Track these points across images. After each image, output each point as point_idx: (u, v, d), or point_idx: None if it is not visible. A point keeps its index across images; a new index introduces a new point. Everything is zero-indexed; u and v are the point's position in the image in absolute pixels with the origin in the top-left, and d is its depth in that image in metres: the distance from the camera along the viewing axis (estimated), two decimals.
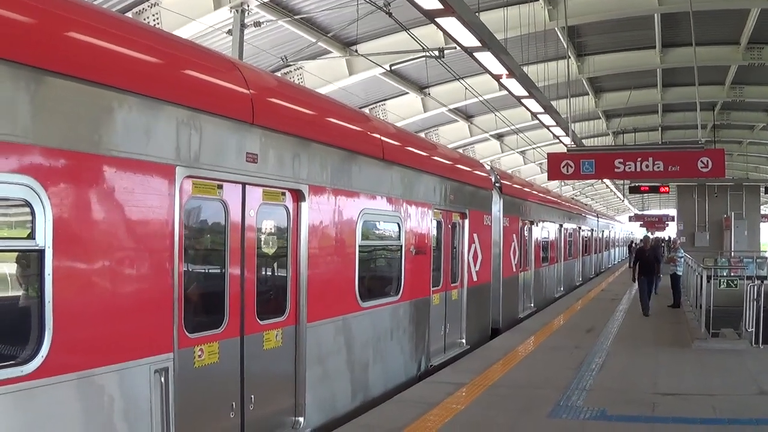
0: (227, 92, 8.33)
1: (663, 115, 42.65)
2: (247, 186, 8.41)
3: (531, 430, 10.14)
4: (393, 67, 25.26)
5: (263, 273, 9.09)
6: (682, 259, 25.66)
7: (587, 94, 36.68)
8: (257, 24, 20.15)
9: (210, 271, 8.39)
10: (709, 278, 18.01)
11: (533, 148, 48.41)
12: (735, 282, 19.19)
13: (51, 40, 5.94)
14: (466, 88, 26.55)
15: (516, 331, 19.74)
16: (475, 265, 17.56)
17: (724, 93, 35.32)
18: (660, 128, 45.99)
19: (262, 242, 9.00)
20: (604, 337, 18.29)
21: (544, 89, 23.92)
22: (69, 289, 5.87)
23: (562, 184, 60.11)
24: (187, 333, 7.35)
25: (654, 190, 40.05)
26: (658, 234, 65.30)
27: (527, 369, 14.28)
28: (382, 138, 12.52)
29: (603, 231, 54.17)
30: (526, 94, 19.36)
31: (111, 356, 6.31)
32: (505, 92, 20.85)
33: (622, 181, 53.99)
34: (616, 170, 19.97)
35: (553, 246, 30.66)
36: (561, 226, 32.42)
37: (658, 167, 19.24)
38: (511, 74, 16.97)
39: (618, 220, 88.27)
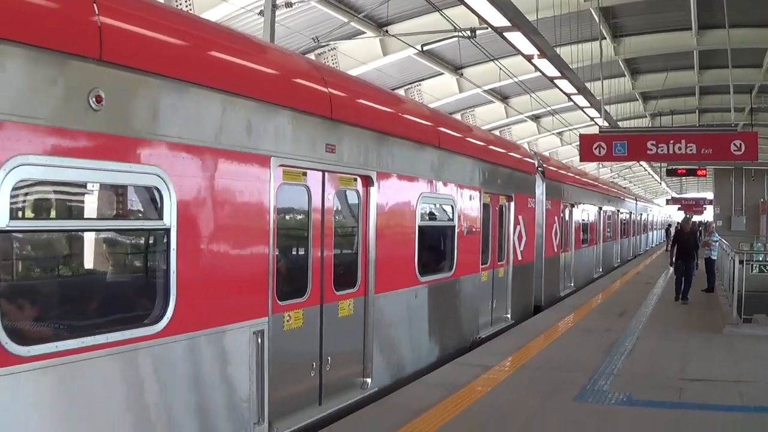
0: (311, 92, 9.56)
1: (700, 97, 42.16)
2: (326, 173, 9.61)
3: (555, 413, 10.06)
4: (425, 48, 25.11)
5: (339, 249, 10.13)
6: (717, 243, 25.35)
7: (624, 75, 36.36)
8: (289, 4, 20.05)
9: (296, 247, 9.58)
10: (741, 262, 17.79)
11: (570, 130, 48.11)
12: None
13: (186, 57, 7.43)
14: (500, 69, 26.44)
15: (553, 311, 20.33)
16: (519, 245, 18.64)
17: (761, 76, 34.73)
18: (697, 111, 45.49)
19: (338, 222, 10.15)
20: (635, 321, 18.15)
21: (578, 70, 23.75)
22: (189, 261, 7.09)
23: (600, 165, 59.72)
24: (278, 301, 8.58)
25: (691, 173, 39.78)
26: (694, 218, 64.60)
27: (556, 351, 14.24)
28: (438, 128, 13.71)
29: (641, 214, 54.06)
30: (559, 74, 19.21)
31: (220, 319, 7.59)
32: (539, 74, 20.72)
33: (659, 164, 53.52)
34: (648, 152, 19.74)
35: (592, 228, 31.11)
36: (600, 208, 32.77)
37: (691, 150, 18.99)
38: (543, 54, 16.84)
39: (655, 203, 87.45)
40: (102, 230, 7.06)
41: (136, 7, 6.99)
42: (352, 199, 10.53)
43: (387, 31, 24.45)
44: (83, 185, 6.52)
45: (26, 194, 5.99)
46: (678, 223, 30.45)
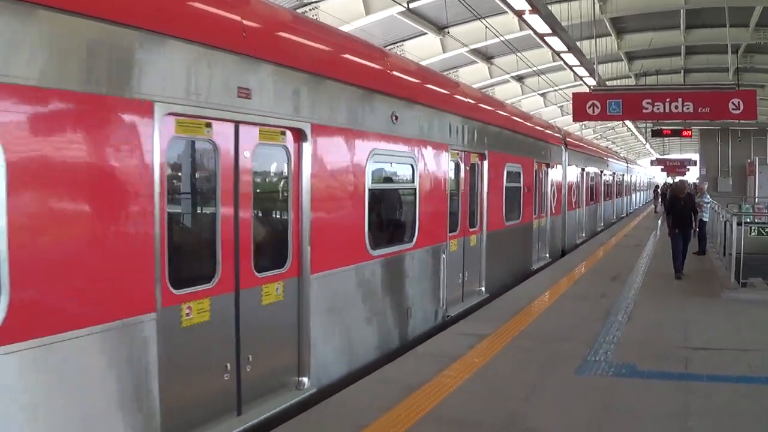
0: (465, 104, 15.05)
1: (686, 57, 41.61)
2: (461, 152, 14.51)
3: (559, 388, 9.47)
4: (411, 5, 24.44)
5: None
6: (709, 205, 24.92)
7: (609, 35, 35.76)
8: None
9: (453, 200, 14.20)
10: (740, 224, 17.31)
11: (555, 90, 47.58)
12: (766, 229, 18.50)
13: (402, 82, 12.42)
14: (486, 28, 25.83)
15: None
16: (553, 201, 23.97)
17: (748, 35, 34.09)
18: (683, 71, 44.89)
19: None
20: (629, 286, 17.75)
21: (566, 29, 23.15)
22: (422, 209, 12.33)
23: (583, 126, 59.32)
24: (448, 232, 13.88)
25: (676, 133, 39.34)
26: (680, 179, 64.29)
27: (552, 319, 13.79)
28: (511, 116, 18.91)
29: (631, 175, 57.48)
30: (550, 31, 18.63)
31: (431, 241, 12.83)
32: (527, 32, 20.30)
33: (644, 124, 53.12)
34: (644, 111, 19.37)
35: (597, 188, 36.25)
36: (602, 171, 37.93)
37: (688, 108, 18.56)
38: (534, 10, 16.26)
39: (639, 164, 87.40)
40: (398, 189, 12.28)
41: (402, 61, 13.59)
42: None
43: None
44: (390, 163, 11.68)
45: (373, 170, 10.71)
46: (668, 184, 30.18)
